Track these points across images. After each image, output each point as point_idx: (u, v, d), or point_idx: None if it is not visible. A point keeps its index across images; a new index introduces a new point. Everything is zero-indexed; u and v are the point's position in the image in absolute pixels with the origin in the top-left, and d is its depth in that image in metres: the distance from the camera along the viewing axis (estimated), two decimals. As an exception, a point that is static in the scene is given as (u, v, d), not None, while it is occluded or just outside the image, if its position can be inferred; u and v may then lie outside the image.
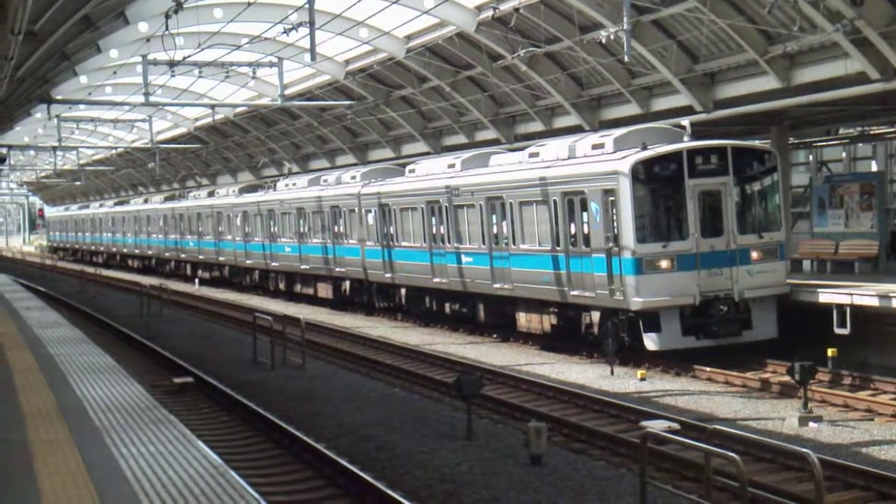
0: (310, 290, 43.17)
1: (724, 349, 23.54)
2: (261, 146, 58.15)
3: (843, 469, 14.39)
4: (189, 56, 30.76)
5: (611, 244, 23.84)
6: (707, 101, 28.77)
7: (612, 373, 23.34)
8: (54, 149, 59.16)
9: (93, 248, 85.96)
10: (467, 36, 33.41)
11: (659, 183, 23.95)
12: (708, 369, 22.73)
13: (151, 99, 38.22)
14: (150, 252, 68.36)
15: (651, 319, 23.33)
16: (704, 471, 11.59)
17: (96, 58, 34.31)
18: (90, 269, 66.23)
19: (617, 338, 23.76)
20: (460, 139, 41.12)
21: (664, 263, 23.38)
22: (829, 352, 21.48)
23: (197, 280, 57.19)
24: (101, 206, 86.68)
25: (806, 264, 29.56)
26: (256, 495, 10.22)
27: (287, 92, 38.95)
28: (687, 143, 24.28)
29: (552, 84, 33.09)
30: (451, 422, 18.37)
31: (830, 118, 31.14)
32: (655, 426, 16.33)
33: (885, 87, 23.60)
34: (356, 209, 37.54)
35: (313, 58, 26.83)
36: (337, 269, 39.66)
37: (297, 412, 19.70)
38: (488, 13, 29.81)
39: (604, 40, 25.70)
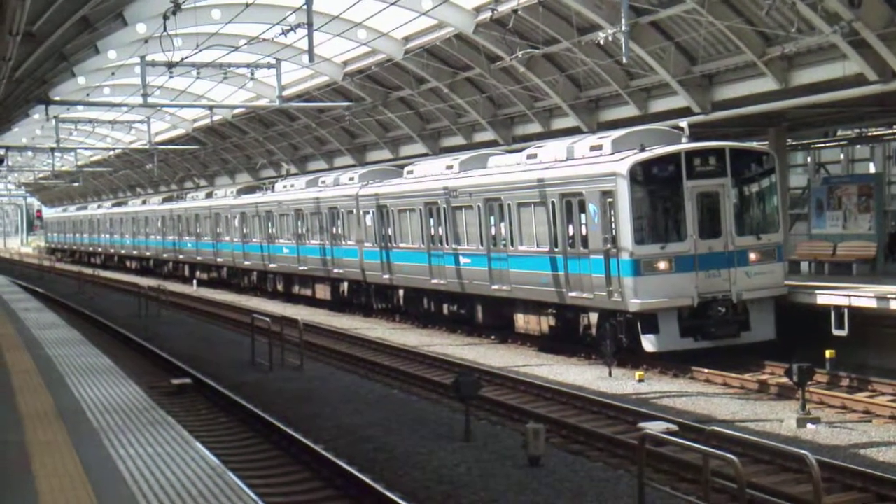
0: (308, 292, 43.17)
1: (722, 350, 23.55)
2: (259, 147, 58.14)
3: (841, 470, 14.40)
4: (187, 57, 30.75)
5: (609, 246, 23.84)
6: (705, 103, 28.78)
7: (610, 374, 23.34)
8: (52, 150, 59.09)
9: (91, 249, 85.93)
10: (465, 37, 33.42)
11: (657, 184, 23.96)
12: (706, 371, 22.73)
13: (150, 100, 38.25)
14: (148, 253, 68.34)
15: (649, 321, 23.34)
16: (703, 472, 11.60)
17: (94, 59, 34.30)
18: (88, 271, 66.22)
19: (615, 339, 23.77)
20: (458, 140, 41.12)
21: (662, 265, 23.38)
22: (827, 353, 21.49)
23: (195, 281, 57.17)
24: (99, 207, 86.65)
25: (804, 266, 29.57)
26: (254, 496, 10.22)
27: (285, 93, 38.94)
28: (685, 145, 24.29)
29: (550, 85, 33.09)
30: (449, 423, 18.37)
31: (828, 120, 31.18)
32: (653, 427, 16.33)
33: (883, 88, 23.62)
34: (354, 210, 37.53)
35: (311, 59, 26.82)
36: (335, 271, 39.66)
37: (295, 413, 19.69)
38: (486, 15, 29.80)
39: (602, 42, 25.69)
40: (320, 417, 19.29)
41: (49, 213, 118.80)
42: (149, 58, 32.95)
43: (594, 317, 24.97)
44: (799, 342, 23.23)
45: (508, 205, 28.00)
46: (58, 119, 47.38)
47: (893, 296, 21.38)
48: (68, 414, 14.46)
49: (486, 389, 20.22)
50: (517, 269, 27.74)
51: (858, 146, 37.27)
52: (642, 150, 24.07)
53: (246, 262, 50.08)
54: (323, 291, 41.62)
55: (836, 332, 22.21)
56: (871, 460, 15.59)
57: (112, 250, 78.58)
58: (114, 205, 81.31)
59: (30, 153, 74.07)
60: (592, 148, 25.88)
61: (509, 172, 28.76)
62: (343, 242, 38.72)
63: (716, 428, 12.87)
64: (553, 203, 25.93)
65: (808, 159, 39.21)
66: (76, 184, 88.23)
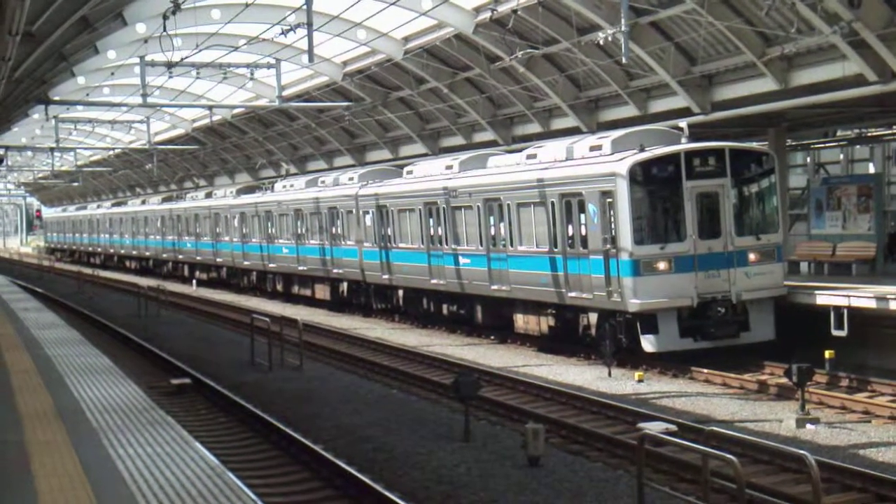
0: (307, 292, 43.16)
1: (722, 351, 23.55)
2: (258, 147, 58.14)
3: (840, 471, 14.40)
4: (187, 57, 30.74)
5: (608, 246, 23.84)
6: (705, 103, 28.79)
7: (609, 374, 23.34)
8: (52, 150, 59.11)
9: (90, 249, 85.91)
10: (465, 37, 33.42)
11: (656, 185, 23.96)
12: (705, 371, 22.73)
13: (149, 100, 38.26)
14: (147, 253, 68.34)
15: (649, 321, 23.34)
16: (702, 472, 11.61)
17: (94, 59, 34.29)
18: (88, 271, 66.21)
19: (614, 339, 23.77)
20: (458, 140, 41.12)
21: (662, 265, 23.39)
22: (827, 354, 21.49)
23: (194, 281, 57.17)
24: (98, 207, 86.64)
25: (803, 266, 29.57)
26: (254, 496, 10.22)
27: (285, 93, 38.94)
28: (684, 145, 24.29)
29: (550, 86, 33.10)
30: (448, 423, 18.37)
31: (828, 120, 31.18)
32: (653, 428, 16.33)
33: (882, 89, 23.62)
34: (354, 210, 37.53)
35: (311, 59, 26.82)
36: (335, 271, 39.65)
37: (294, 413, 19.69)
38: (486, 15, 29.81)
39: (602, 42, 25.69)
40: (320, 417, 19.29)
41: (48, 212, 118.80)
42: (148, 58, 32.94)
43: (594, 317, 24.97)
44: (798, 342, 23.23)
45: (508, 205, 28.00)
46: (57, 119, 47.39)
47: (893, 296, 21.38)
48: (67, 414, 14.46)
49: (485, 389, 20.22)
50: (517, 270, 27.74)
51: (858, 146, 37.28)
52: (642, 150, 24.07)
53: (245, 263, 50.08)
54: (322, 291, 41.62)
55: (835, 333, 22.21)
56: (871, 460, 15.60)
57: (111, 250, 78.58)
58: (113, 205, 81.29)
59: (29, 153, 74.07)
60: (592, 148, 25.88)
61: (509, 173, 28.76)
62: (342, 242, 38.72)
63: (715, 428, 12.87)
64: (552, 203, 25.93)
65: (808, 160, 39.21)
66: (76, 184, 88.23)
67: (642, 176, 23.67)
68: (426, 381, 23.44)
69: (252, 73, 34.92)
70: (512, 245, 27.97)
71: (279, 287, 46.56)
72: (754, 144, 30.40)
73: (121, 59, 37.61)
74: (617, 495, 13.75)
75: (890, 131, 33.95)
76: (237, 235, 50.49)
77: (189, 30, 33.07)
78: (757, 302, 23.67)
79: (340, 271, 39.13)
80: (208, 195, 58.45)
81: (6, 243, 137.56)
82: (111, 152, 71.34)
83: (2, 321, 28.61)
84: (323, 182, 42.35)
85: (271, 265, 46.56)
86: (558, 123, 35.20)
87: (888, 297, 21.43)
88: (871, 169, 36.55)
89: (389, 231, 34.84)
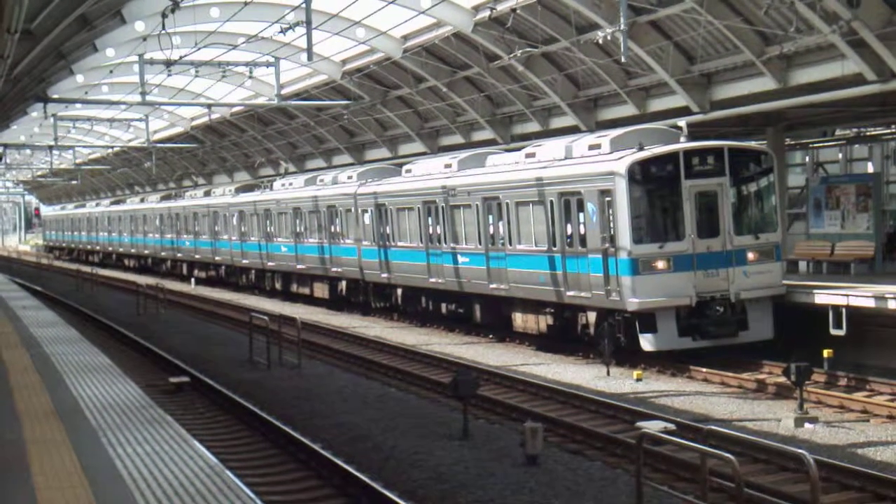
0: (306, 290, 43.16)
1: (721, 350, 23.55)
2: (257, 146, 58.13)
3: (838, 470, 14.41)
4: (186, 55, 30.75)
5: (607, 245, 23.84)
6: (704, 102, 28.79)
7: (608, 373, 23.35)
8: (50, 148, 59.14)
9: (89, 247, 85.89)
10: (464, 36, 33.42)
11: (655, 184, 23.96)
12: (704, 370, 22.74)
13: (148, 98, 38.22)
14: (146, 251, 68.32)
15: (647, 320, 23.33)
16: (700, 471, 11.61)
17: (93, 57, 34.29)
18: (86, 269, 66.19)
19: (613, 338, 23.76)
20: (457, 139, 41.12)
21: (660, 264, 23.39)
22: (825, 353, 21.51)
23: (193, 280, 57.16)
24: (97, 205, 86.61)
25: (802, 265, 29.58)
26: (252, 495, 10.22)
27: (284, 91, 38.95)
28: (683, 144, 24.29)
29: (549, 84, 33.09)
30: (447, 422, 18.37)
31: (827, 119, 31.18)
32: (651, 427, 16.34)
33: (881, 88, 23.64)
34: (353, 209, 37.53)
35: (310, 57, 26.82)
36: (333, 269, 39.65)
37: (293, 412, 19.69)
38: (485, 13, 29.83)
39: (600, 41, 25.70)
40: (318, 416, 19.29)
41: (47, 211, 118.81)
42: (147, 56, 32.94)
43: (592, 316, 24.97)
44: (797, 342, 23.24)
45: (507, 204, 28.00)
46: (56, 117, 47.42)
47: (891, 295, 21.39)
48: (66, 412, 14.46)
49: (484, 388, 20.22)
50: (515, 268, 27.74)
51: (857, 146, 37.28)
52: (641, 149, 24.06)
53: (244, 261, 50.06)
54: (321, 290, 41.61)
55: (833, 332, 22.21)
56: (869, 460, 15.60)
57: (110, 248, 78.55)
58: (112, 203, 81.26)
59: (28, 151, 74.11)
60: (591, 147, 25.87)
61: (508, 171, 28.76)
62: (341, 241, 38.72)
63: (713, 427, 12.87)
64: (551, 202, 25.93)
65: (807, 159, 39.21)
66: (74, 182, 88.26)
67: (641, 175, 23.67)
68: (425, 379, 23.44)
69: (251, 72, 34.97)
70: (511, 244, 27.97)
71: (278, 286, 46.56)
72: (753, 143, 30.40)
73: (120, 58, 37.62)
74: (615, 494, 13.75)
75: (889, 130, 33.96)
76: (236, 234, 50.47)
77: (188, 28, 33.06)
78: (755, 301, 23.67)
79: (339, 270, 39.13)
80: (207, 193, 58.43)
81: (5, 241, 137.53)
82: (110, 150, 71.30)
83: (0, 319, 28.60)
84: (322, 181, 42.34)
85: (270, 264, 46.56)
86: (557, 122, 35.21)
87: (887, 296, 21.44)
88: (870, 168, 36.56)
89: (388, 230, 34.84)
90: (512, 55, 29.65)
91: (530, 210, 26.92)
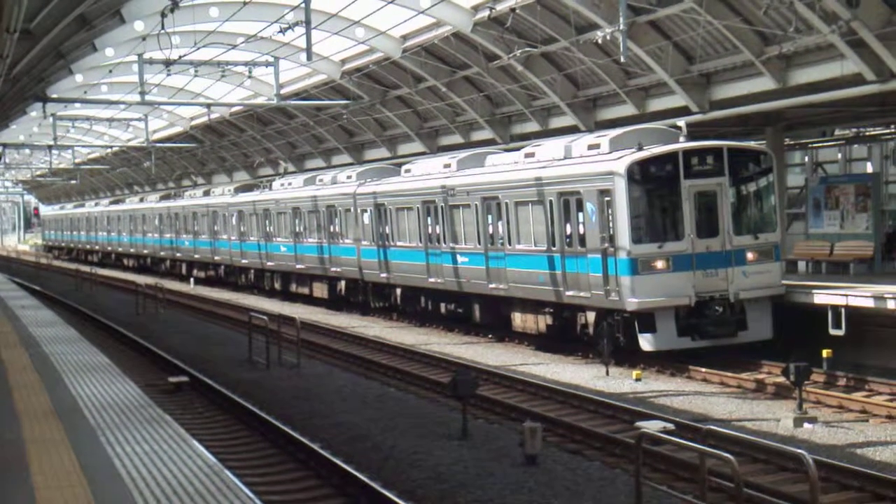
0: (305, 290, 43.15)
1: (720, 350, 23.56)
2: (256, 145, 58.12)
3: (837, 470, 14.41)
4: (185, 55, 30.73)
5: (606, 245, 23.84)
6: (703, 102, 28.79)
7: (607, 373, 23.34)
8: (50, 147, 59.13)
9: (88, 247, 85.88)
10: (463, 36, 33.41)
11: (655, 183, 23.97)
12: (703, 370, 22.74)
13: (147, 98, 38.22)
14: (145, 251, 68.31)
15: (646, 320, 23.33)
16: (699, 471, 11.61)
17: (92, 56, 34.28)
18: (85, 268, 66.15)
19: (612, 338, 23.76)
20: (456, 139, 41.12)
21: (660, 264, 23.39)
22: (824, 353, 21.51)
23: (192, 279, 57.14)
24: (96, 204, 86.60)
25: (801, 265, 29.58)
26: (251, 495, 10.22)
27: (283, 91, 38.92)
28: (683, 144, 24.29)
29: (548, 84, 33.09)
30: (446, 422, 18.36)
31: (826, 119, 31.18)
32: (650, 427, 16.34)
33: (880, 88, 23.63)
34: (352, 209, 37.53)
35: (309, 57, 26.82)
36: (332, 269, 39.65)
37: (292, 412, 19.68)
38: (484, 13, 29.82)
39: (600, 41, 25.70)
40: (317, 416, 19.28)
41: (46, 210, 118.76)
42: (146, 56, 32.92)
43: (591, 316, 24.96)
44: (796, 341, 23.24)
45: (506, 203, 27.99)
46: (55, 117, 47.41)
47: (890, 295, 21.39)
48: (65, 411, 14.46)
49: (483, 388, 20.21)
50: (514, 268, 27.74)
51: (856, 146, 37.27)
52: (640, 149, 24.07)
53: (243, 261, 50.05)
54: (320, 290, 41.61)
55: (833, 332, 22.21)
56: (868, 460, 15.61)
57: (109, 248, 78.54)
58: (111, 203, 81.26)
59: (27, 151, 74.09)
60: (590, 147, 25.87)
61: (507, 171, 28.75)
62: (340, 241, 38.72)
63: (713, 427, 12.87)
64: (551, 202, 25.93)
65: (806, 159, 39.20)
66: (73, 181, 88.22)
67: (640, 175, 23.67)
68: (424, 379, 23.43)
69: (250, 71, 34.96)
70: (510, 244, 27.97)
71: (277, 285, 46.55)
72: (752, 143, 30.40)
73: (119, 57, 37.61)
74: (614, 494, 13.75)
75: (888, 130, 33.95)
76: (235, 234, 50.47)
77: (187, 28, 33.07)
78: (755, 301, 23.67)
79: (338, 270, 39.13)
80: (206, 193, 58.42)
81: (4, 241, 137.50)
82: (109, 150, 71.31)
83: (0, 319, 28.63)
84: (321, 180, 42.34)
85: (269, 263, 46.55)
86: (556, 122, 35.21)
87: (886, 296, 21.44)
88: (869, 168, 36.54)
89: (387, 229, 34.84)
90: (511, 55, 29.64)
91: (529, 210, 26.92)
